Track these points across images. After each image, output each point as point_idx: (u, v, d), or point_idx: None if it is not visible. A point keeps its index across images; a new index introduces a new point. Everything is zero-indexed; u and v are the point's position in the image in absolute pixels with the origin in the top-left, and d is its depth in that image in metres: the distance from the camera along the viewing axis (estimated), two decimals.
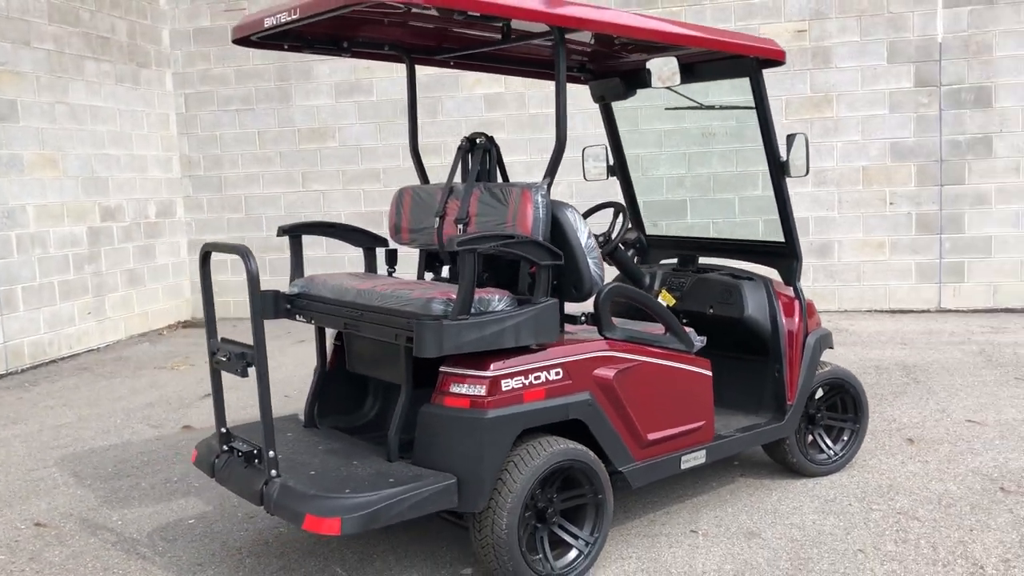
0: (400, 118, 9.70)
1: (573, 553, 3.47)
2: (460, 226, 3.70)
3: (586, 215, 4.25)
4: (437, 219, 3.83)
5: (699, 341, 3.91)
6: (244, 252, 3.09)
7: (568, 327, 3.82)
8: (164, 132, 9.91)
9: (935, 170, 8.74)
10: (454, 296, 3.20)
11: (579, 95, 9.25)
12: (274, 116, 9.95)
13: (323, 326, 3.77)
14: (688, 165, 9.14)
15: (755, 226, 9.04)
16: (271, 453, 3.16)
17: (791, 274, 4.40)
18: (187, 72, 10.04)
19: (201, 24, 9.95)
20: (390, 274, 4.17)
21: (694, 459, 3.86)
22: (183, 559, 3.80)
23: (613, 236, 4.53)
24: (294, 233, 3.99)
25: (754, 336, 4.30)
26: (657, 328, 3.89)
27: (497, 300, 3.27)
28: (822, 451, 4.55)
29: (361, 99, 9.75)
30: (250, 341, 3.24)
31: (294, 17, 3.22)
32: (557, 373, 3.38)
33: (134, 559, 3.81)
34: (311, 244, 9.70)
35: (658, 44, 3.98)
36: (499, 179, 3.95)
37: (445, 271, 4.15)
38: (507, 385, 3.25)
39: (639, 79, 4.70)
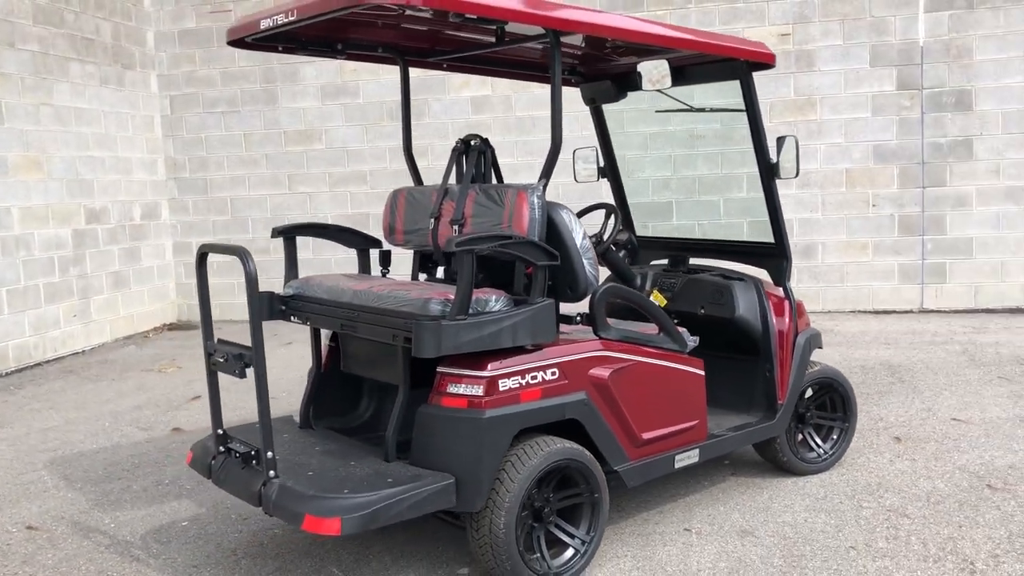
0: (386, 120, 9.70)
1: (570, 552, 3.49)
2: (455, 227, 3.72)
3: (578, 216, 4.27)
4: (432, 220, 3.85)
5: (692, 341, 3.94)
6: (242, 253, 3.09)
7: (563, 327, 3.85)
8: (149, 134, 9.87)
9: (917, 172, 8.84)
10: (451, 297, 3.22)
11: (567, 98, 9.29)
12: (260, 118, 9.93)
13: (319, 327, 3.78)
14: (673, 167, 9.20)
15: (740, 227, 9.12)
16: (269, 454, 3.16)
17: (781, 274, 4.45)
18: (172, 74, 10.00)
19: (186, 26, 9.92)
20: (384, 275, 4.19)
21: (688, 458, 3.89)
22: (178, 561, 3.79)
23: (605, 237, 4.56)
24: (288, 235, 3.99)
25: (745, 336, 4.34)
26: (650, 328, 3.92)
27: (494, 301, 3.29)
28: (812, 450, 4.60)
29: (347, 101, 9.75)
30: (238, 342, 3.25)
31: (291, 19, 3.23)
32: (553, 373, 3.41)
33: (128, 562, 3.80)
34: (303, 247, 9.67)
35: (651, 47, 4.01)
36: (494, 181, 3.97)
37: (440, 272, 4.17)
38: (504, 385, 3.27)
39: (630, 82, 4.74)
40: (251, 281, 3.06)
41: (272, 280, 10.11)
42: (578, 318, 3.76)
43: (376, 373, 3.72)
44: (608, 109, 5.15)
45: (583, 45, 4.25)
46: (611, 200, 9.24)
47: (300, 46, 3.92)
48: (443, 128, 9.62)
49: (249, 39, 3.70)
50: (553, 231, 3.55)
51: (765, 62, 4.16)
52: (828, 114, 8.92)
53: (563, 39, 3.89)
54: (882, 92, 8.80)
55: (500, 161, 9.44)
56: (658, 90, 4.42)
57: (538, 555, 3.40)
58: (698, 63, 4.40)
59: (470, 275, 3.14)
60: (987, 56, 8.58)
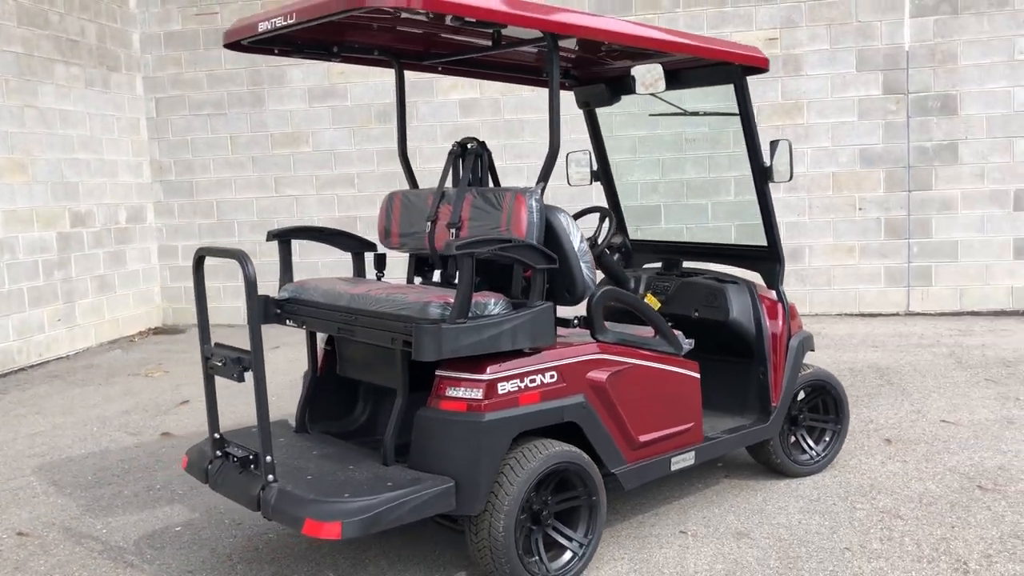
0: (374, 123, 9.68)
1: (568, 555, 3.49)
2: (453, 230, 3.72)
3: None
4: (429, 224, 3.84)
5: (687, 344, 3.96)
6: (241, 257, 3.08)
7: (560, 330, 3.85)
8: (135, 137, 9.80)
9: (903, 176, 8.91)
10: (451, 300, 3.22)
11: None
12: (246, 121, 9.88)
13: (315, 331, 3.76)
14: (662, 171, 9.23)
15: (728, 231, 9.16)
16: (268, 458, 3.15)
17: (774, 278, 4.47)
18: (158, 76, 9.94)
19: (172, 28, 9.86)
20: (379, 278, 4.18)
21: (684, 460, 3.91)
22: (173, 567, 3.76)
23: (599, 241, 4.57)
24: (283, 238, 3.98)
25: (739, 339, 4.36)
26: (646, 331, 3.93)
27: (493, 304, 3.29)
28: (805, 452, 4.63)
29: (335, 104, 9.72)
30: (236, 346, 3.23)
31: (290, 22, 3.22)
32: (551, 376, 3.41)
33: (122, 567, 3.77)
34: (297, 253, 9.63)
35: (647, 51, 4.02)
36: (491, 184, 3.97)
37: (436, 275, 4.16)
38: (503, 388, 3.27)
39: (624, 85, 4.75)
40: (250, 284, 3.04)
41: (261, 284, 10.06)
42: (575, 321, 3.76)
43: (373, 377, 3.71)
44: (598, 112, 5.17)
45: (577, 49, 4.26)
46: (600, 203, 9.26)
47: (296, 49, 3.91)
48: (431, 131, 9.61)
49: (246, 42, 3.69)
50: (551, 235, 3.55)
51: (759, 66, 4.18)
52: (815, 118, 8.98)
53: (560, 43, 3.90)
54: (868, 96, 8.87)
55: None
56: (652, 94, 4.44)
57: (536, 558, 3.40)
58: (692, 67, 4.42)
59: (470, 278, 3.14)
60: (971, 61, 8.66)
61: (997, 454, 4.83)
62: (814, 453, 4.64)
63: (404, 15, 3.37)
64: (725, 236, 9.14)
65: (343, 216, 9.82)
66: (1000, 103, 8.65)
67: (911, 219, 8.94)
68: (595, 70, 4.76)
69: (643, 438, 3.73)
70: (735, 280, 4.46)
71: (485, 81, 9.30)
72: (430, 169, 9.53)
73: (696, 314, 4.46)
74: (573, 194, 9.22)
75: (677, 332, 3.95)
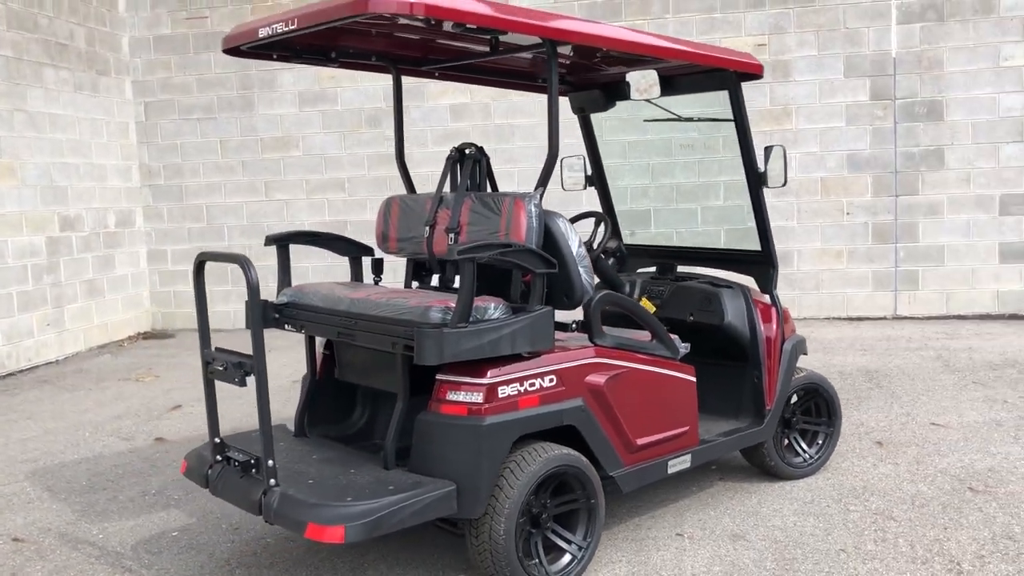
0: (365, 127, 9.69)
1: (567, 558, 3.52)
2: (451, 235, 3.74)
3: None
4: (427, 228, 3.86)
5: (684, 348, 3.99)
6: (243, 261, 3.09)
7: (558, 334, 3.87)
8: (124, 141, 9.77)
9: (890, 181, 9.00)
10: (451, 304, 3.24)
11: (545, 105, 9.34)
12: (236, 125, 9.87)
13: (314, 335, 3.77)
14: (652, 176, 9.28)
15: (717, 235, 9.22)
16: (270, 462, 3.15)
17: (768, 282, 4.51)
18: (147, 80, 9.92)
19: (161, 32, 9.84)
20: (376, 283, 4.19)
21: (680, 463, 3.94)
22: (171, 572, 3.76)
23: (595, 245, 4.60)
24: (282, 243, 3.98)
25: (733, 343, 4.40)
26: (643, 335, 3.96)
27: (493, 308, 3.32)
28: (798, 454, 4.67)
29: (325, 108, 9.73)
30: (238, 351, 3.24)
31: (291, 27, 3.24)
32: (551, 380, 3.44)
33: (120, 573, 3.77)
34: (272, 255, 9.61)
35: (643, 57, 4.06)
36: (489, 190, 3.99)
37: (434, 280, 4.18)
38: (503, 392, 3.30)
39: (619, 91, 4.79)
40: (253, 289, 3.05)
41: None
42: (573, 325, 3.79)
43: (373, 381, 3.73)
44: (592, 118, 5.21)
45: (572, 55, 4.29)
46: (589, 208, 9.30)
47: (294, 54, 3.92)
48: (422, 136, 9.63)
49: (244, 47, 3.70)
50: (550, 239, 3.58)
51: (754, 72, 4.23)
52: (803, 123, 9.05)
53: (558, 49, 3.93)
54: (856, 102, 8.96)
55: None
56: (646, 100, 4.48)
57: (536, 561, 3.42)
58: (686, 73, 4.46)
59: (471, 283, 3.16)
60: (957, 68, 8.76)
61: (987, 456, 4.89)
62: (807, 456, 4.68)
63: (403, 21, 3.39)
64: (715, 240, 9.20)
65: (333, 220, 9.82)
66: (985, 109, 8.75)
67: (898, 224, 9.03)
68: (589, 76, 4.80)
69: (640, 441, 3.76)
70: (729, 284, 4.50)
71: (476, 86, 9.33)
72: (421, 174, 9.54)
73: (691, 318, 4.50)
74: (564, 198, 9.25)
75: (673, 336, 3.98)
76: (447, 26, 3.41)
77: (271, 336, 9.25)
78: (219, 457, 3.44)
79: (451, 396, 3.30)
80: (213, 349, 3.35)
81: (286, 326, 3.81)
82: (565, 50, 4.10)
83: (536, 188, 3.51)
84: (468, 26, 3.22)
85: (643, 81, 4.25)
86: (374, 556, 3.84)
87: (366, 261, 9.29)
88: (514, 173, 9.50)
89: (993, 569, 3.55)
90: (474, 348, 3.19)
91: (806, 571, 3.59)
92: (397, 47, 4.04)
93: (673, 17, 9.13)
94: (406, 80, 9.48)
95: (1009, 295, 8.93)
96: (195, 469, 3.59)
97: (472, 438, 3.23)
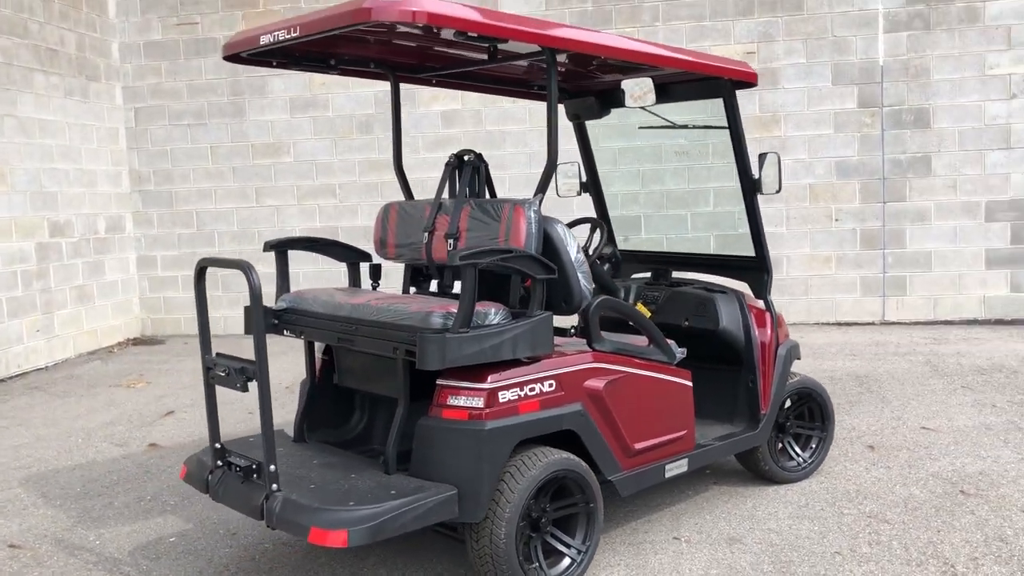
0: (356, 133, 9.70)
1: (566, 561, 3.54)
2: (450, 241, 3.76)
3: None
4: (426, 234, 3.88)
5: (680, 352, 4.02)
6: (246, 267, 3.10)
7: (556, 339, 3.90)
8: (114, 146, 9.75)
9: (878, 188, 9.08)
10: (453, 310, 3.26)
11: (536, 112, 9.39)
12: (227, 131, 9.86)
13: (314, 341, 3.79)
14: (642, 182, 9.34)
15: (707, 241, 9.27)
16: (272, 467, 3.16)
17: (762, 287, 4.55)
18: (137, 86, 9.90)
19: (152, 37, 9.83)
20: (374, 289, 4.21)
21: (677, 467, 3.97)
22: None
23: (591, 251, 4.63)
24: (281, 248, 4.00)
25: (728, 348, 4.44)
26: (640, 340, 3.99)
27: (494, 313, 3.34)
28: (792, 458, 4.71)
29: (316, 114, 9.74)
30: (240, 356, 3.25)
31: (294, 35, 3.26)
32: (550, 385, 3.46)
33: None
34: (266, 261, 9.62)
35: (640, 65, 4.10)
36: (487, 196, 4.02)
37: (433, 285, 4.20)
38: (504, 397, 3.32)
39: (613, 98, 4.83)
40: (255, 295, 3.07)
41: (242, 294, 10.03)
42: (572, 331, 3.82)
43: (372, 386, 3.74)
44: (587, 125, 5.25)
45: (568, 62, 4.32)
46: (579, 213, 9.34)
47: (293, 61, 3.94)
48: (413, 142, 9.65)
49: (245, 54, 3.71)
50: (549, 245, 3.61)
51: (748, 81, 4.28)
52: (792, 130, 9.13)
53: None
54: (844, 109, 9.04)
55: None
56: (641, 107, 4.52)
57: (536, 564, 3.44)
58: (682, 81, 4.51)
59: (473, 288, 3.18)
60: (943, 76, 8.86)
61: (977, 460, 4.94)
62: (801, 460, 4.72)
63: (402, 29, 3.42)
64: (705, 246, 9.26)
65: (324, 226, 9.82)
66: (971, 117, 8.85)
67: (886, 230, 9.11)
68: (584, 83, 4.84)
69: (638, 445, 3.79)
70: (724, 290, 4.54)
71: (467, 92, 9.36)
72: (412, 180, 9.55)
73: (686, 323, 4.54)
74: (554, 204, 9.29)
75: (670, 341, 4.02)
76: (446, 34, 3.44)
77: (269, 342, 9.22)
78: (220, 462, 3.45)
79: (452, 401, 3.32)
80: (214, 354, 3.36)
81: (285, 332, 3.82)
82: (561, 58, 4.14)
83: (535, 194, 3.54)
84: (469, 34, 3.24)
85: (638, 88, 4.28)
86: (373, 561, 3.85)
87: (363, 267, 9.31)
88: (504, 179, 9.53)
89: (987, 571, 3.60)
90: (476, 353, 3.21)
91: (803, 574, 3.63)
92: (395, 54, 4.06)
93: (663, 25, 9.19)
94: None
95: (995, 300, 9.02)
96: (195, 474, 3.60)
97: (473, 442, 3.25)
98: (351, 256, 4.22)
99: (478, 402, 3.28)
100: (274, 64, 3.91)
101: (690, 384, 4.01)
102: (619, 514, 4.31)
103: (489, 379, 3.30)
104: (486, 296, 3.93)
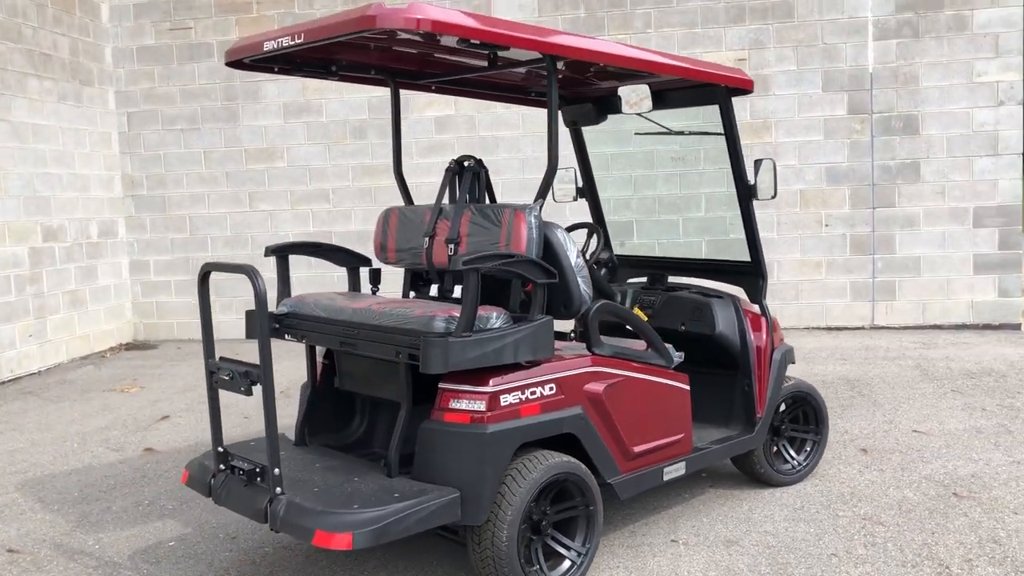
0: (349, 139, 9.73)
1: (567, 564, 3.57)
2: (451, 246, 3.80)
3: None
4: (426, 239, 3.91)
5: (678, 357, 4.07)
6: (251, 272, 3.12)
7: (556, 343, 3.93)
8: (106, 151, 9.74)
9: (867, 193, 9.17)
10: (455, 314, 3.29)
11: (528, 118, 9.44)
12: (220, 136, 9.87)
13: (315, 345, 3.81)
14: (633, 187, 9.39)
15: (699, 246, 9.33)
16: (276, 470, 3.18)
17: (757, 292, 4.60)
18: (130, 90, 9.90)
19: (145, 42, 9.83)
20: (374, 293, 4.23)
21: (675, 471, 4.01)
22: None
23: (588, 256, 4.67)
24: (281, 253, 4.02)
25: (724, 352, 4.48)
26: (638, 344, 4.03)
27: (495, 317, 3.37)
28: (787, 462, 4.76)
29: (310, 120, 9.75)
30: (243, 360, 3.27)
31: (298, 42, 3.29)
32: (551, 388, 3.50)
33: None
34: (262, 266, 9.62)
35: (638, 72, 4.14)
36: (487, 202, 4.05)
37: (433, 290, 4.23)
38: (505, 400, 3.35)
39: (610, 105, 4.87)
40: (260, 299, 3.09)
41: (236, 299, 10.03)
42: (572, 335, 3.85)
43: (374, 390, 3.77)
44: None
45: (565, 69, 4.37)
46: (572, 219, 9.39)
47: (295, 67, 3.97)
48: (407, 147, 9.68)
49: (247, 60, 3.74)
50: (549, 250, 3.65)
51: (744, 87, 4.33)
52: (783, 137, 9.20)
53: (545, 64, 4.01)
54: (834, 116, 9.12)
55: None
56: (638, 113, 4.57)
57: (537, 567, 3.47)
58: (678, 88, 4.55)
59: (475, 293, 3.22)
60: (932, 83, 8.96)
61: (969, 462, 5.00)
62: (796, 463, 4.77)
63: (403, 36, 3.45)
64: (696, 251, 9.32)
65: (318, 231, 9.83)
66: (960, 124, 8.94)
67: (875, 235, 9.19)
68: (581, 90, 4.88)
69: (637, 449, 3.83)
70: (720, 294, 4.59)
71: (461, 99, 9.40)
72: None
73: (683, 328, 4.58)
74: (548, 210, 9.33)
75: (667, 345, 4.06)
76: (447, 41, 3.48)
77: (253, 350, 9.24)
78: (223, 466, 3.46)
79: (454, 404, 3.35)
80: (218, 359, 3.38)
81: (286, 336, 3.84)
82: (560, 65, 4.18)
83: (536, 200, 3.58)
84: (472, 42, 3.28)
85: (634, 95, 4.34)
86: (374, 564, 3.87)
87: (363, 272, 9.32)
88: (498, 184, 9.56)
89: (981, 572, 3.65)
90: (478, 357, 3.24)
91: (800, 575, 3.67)
92: (396, 61, 4.10)
93: (655, 32, 9.26)
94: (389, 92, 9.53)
95: (983, 305, 9.11)
96: (197, 478, 3.61)
97: (476, 446, 3.28)
98: (352, 261, 4.24)
99: (480, 405, 3.31)
100: (275, 70, 3.94)
101: (687, 388, 4.05)
102: (617, 517, 4.34)
103: (491, 383, 3.33)
104: (486, 300, 3.97)
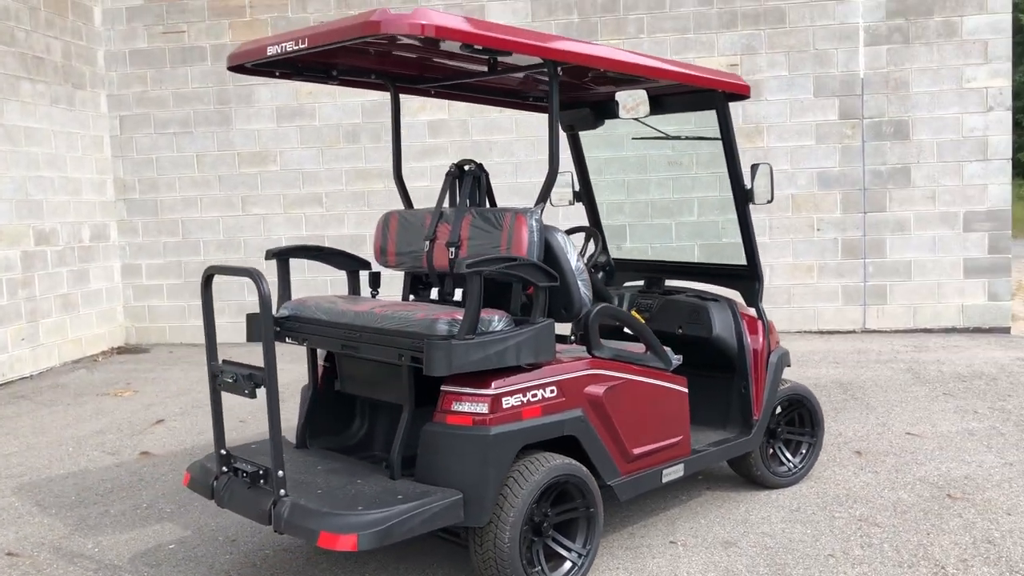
0: (343, 143, 9.74)
1: (567, 565, 3.59)
2: (452, 249, 3.82)
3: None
4: (427, 243, 3.93)
5: (676, 359, 4.10)
6: (255, 275, 3.14)
7: (556, 346, 3.96)
8: (99, 154, 9.71)
9: (859, 198, 9.24)
10: (458, 317, 3.31)
11: (522, 122, 9.47)
12: (213, 139, 9.86)
13: (317, 348, 3.82)
14: (627, 191, 9.44)
15: (691, 250, 9.38)
16: (280, 472, 3.20)
17: (753, 295, 4.64)
18: (122, 94, 9.88)
19: (138, 46, 9.82)
20: (374, 296, 4.25)
21: (674, 473, 4.04)
22: None
23: (586, 259, 4.70)
24: (282, 257, 4.03)
25: (721, 355, 4.52)
26: (637, 347, 4.06)
27: (497, 320, 3.40)
28: (783, 464, 4.79)
29: (303, 123, 9.76)
30: (247, 363, 3.29)
31: (302, 47, 3.30)
32: (552, 391, 3.52)
33: None
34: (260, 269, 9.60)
35: (638, 77, 4.18)
36: (487, 206, 4.08)
37: (433, 293, 4.25)
38: (507, 403, 3.37)
39: (607, 109, 4.91)
40: (264, 303, 3.10)
41: (229, 303, 10.02)
42: (572, 338, 3.88)
43: (376, 392, 3.78)
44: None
45: (562, 74, 4.39)
46: (568, 223, 9.42)
47: (296, 72, 3.98)
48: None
49: (249, 64, 3.75)
50: (550, 254, 3.67)
51: (741, 93, 4.37)
52: (774, 142, 9.27)
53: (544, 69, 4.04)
54: (825, 121, 9.19)
55: None
56: (635, 118, 4.60)
57: (539, 568, 3.49)
58: (675, 93, 4.59)
59: (479, 296, 3.24)
60: (922, 88, 9.04)
61: (962, 464, 5.05)
62: (792, 465, 4.81)
63: (404, 41, 3.47)
64: (689, 255, 9.37)
65: (311, 235, 9.83)
66: (949, 129, 9.03)
67: (866, 239, 9.26)
68: (578, 94, 4.91)
69: (636, 451, 3.86)
70: (716, 298, 4.62)
71: (454, 103, 9.43)
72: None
73: (680, 331, 4.61)
74: (543, 214, 9.35)
75: (666, 348, 4.09)
76: (447, 46, 3.50)
77: (255, 350, 9.23)
78: (225, 469, 3.47)
79: (457, 407, 3.37)
80: (221, 362, 3.39)
81: (287, 339, 3.85)
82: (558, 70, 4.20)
83: (536, 204, 3.61)
84: (475, 47, 3.31)
85: (632, 100, 4.37)
86: (374, 566, 3.89)
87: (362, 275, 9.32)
88: (493, 188, 9.57)
89: (976, 572, 3.69)
90: (481, 359, 3.26)
91: (798, 575, 3.71)
92: (396, 66, 4.12)
93: (648, 37, 9.31)
94: (383, 96, 9.55)
95: (973, 309, 9.19)
96: (199, 480, 3.62)
97: (478, 448, 3.30)
98: (352, 264, 4.26)
99: (482, 408, 3.33)
100: (276, 74, 3.95)
101: (686, 390, 4.09)
102: (615, 519, 4.37)
103: (493, 385, 3.35)
104: (487, 303, 3.99)
